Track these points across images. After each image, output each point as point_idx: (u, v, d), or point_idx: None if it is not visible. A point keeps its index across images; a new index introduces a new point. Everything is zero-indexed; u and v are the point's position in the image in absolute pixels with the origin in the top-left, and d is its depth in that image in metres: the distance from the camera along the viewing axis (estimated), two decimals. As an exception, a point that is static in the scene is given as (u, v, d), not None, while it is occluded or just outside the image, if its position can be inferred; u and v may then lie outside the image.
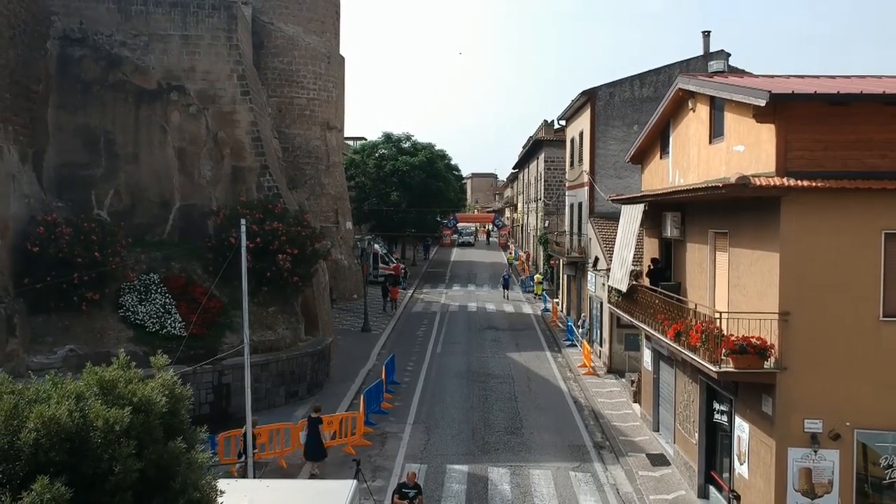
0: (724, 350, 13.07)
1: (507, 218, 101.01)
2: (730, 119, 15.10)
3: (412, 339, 33.97)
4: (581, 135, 35.28)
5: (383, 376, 24.09)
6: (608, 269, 26.98)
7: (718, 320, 13.71)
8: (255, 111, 27.41)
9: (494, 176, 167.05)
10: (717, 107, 16.03)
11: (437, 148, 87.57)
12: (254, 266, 23.87)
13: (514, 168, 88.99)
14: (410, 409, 23.09)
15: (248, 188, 26.70)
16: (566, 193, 41.42)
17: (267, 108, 31.99)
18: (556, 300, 43.43)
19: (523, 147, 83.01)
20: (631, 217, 20.65)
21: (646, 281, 20.15)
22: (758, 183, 12.61)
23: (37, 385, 8.15)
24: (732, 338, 13.08)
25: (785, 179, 12.66)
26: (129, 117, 25.98)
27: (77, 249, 21.09)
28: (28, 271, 20.92)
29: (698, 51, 33.95)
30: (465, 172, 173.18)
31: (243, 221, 15.93)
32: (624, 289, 20.12)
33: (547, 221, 53.25)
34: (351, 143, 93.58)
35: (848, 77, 16.96)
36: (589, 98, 33.11)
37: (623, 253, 20.61)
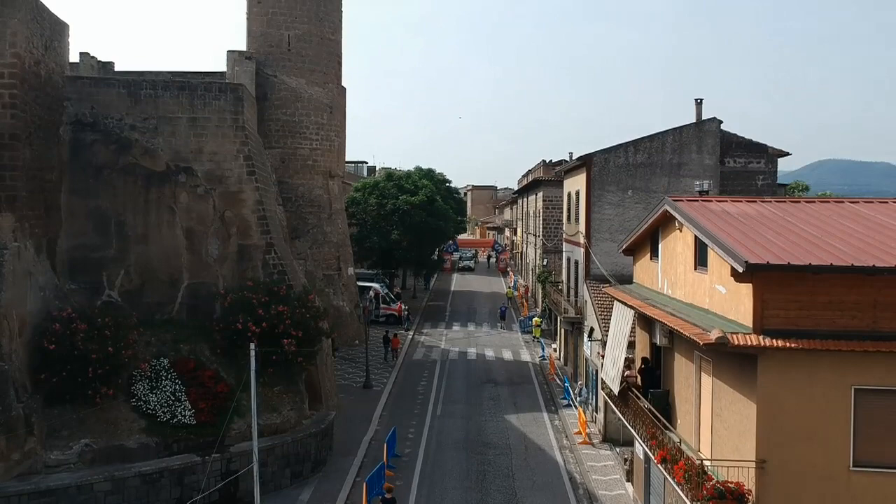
0: (704, 494, 13.94)
1: (507, 238, 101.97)
2: (713, 256, 15.97)
3: (412, 398, 34.84)
4: (577, 194, 36.18)
5: (385, 458, 24.88)
6: (603, 341, 27.89)
7: (699, 463, 14.59)
8: (261, 189, 28.31)
9: (494, 188, 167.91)
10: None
11: (437, 172, 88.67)
12: (260, 350, 24.81)
13: (514, 193, 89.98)
14: (411, 491, 23.95)
15: (254, 266, 27.58)
16: (564, 245, 42.33)
17: (272, 187, 32.79)
18: (553, 346, 44.32)
19: (523, 175, 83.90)
20: (622, 318, 21.53)
21: (638, 377, 20.99)
22: (736, 342, 13.53)
23: None
24: (712, 481, 13.97)
25: (761, 338, 13.56)
26: (138, 199, 26.83)
27: (91, 346, 21.95)
28: (44, 366, 21.80)
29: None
30: (464, 183, 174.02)
31: (253, 350, 16.78)
32: (616, 390, 21.01)
33: (546, 260, 54.17)
34: (352, 166, 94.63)
35: (825, 202, 17.87)
36: (585, 163, 34.03)
37: (615, 353, 21.49)
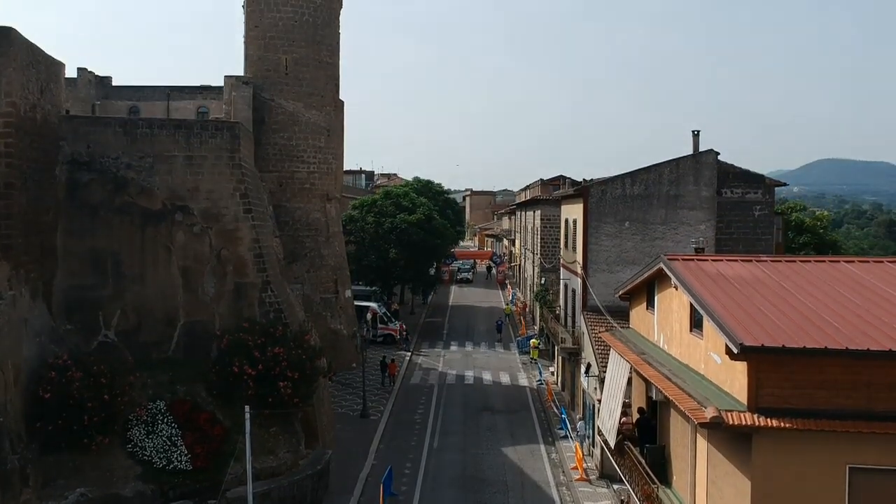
0: (699, 571, 13.95)
1: (506, 247, 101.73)
2: (708, 324, 15.94)
3: (410, 428, 34.75)
4: (575, 223, 36.18)
5: (381, 500, 24.79)
6: (600, 377, 27.89)
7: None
8: (258, 227, 28.26)
9: (493, 194, 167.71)
10: (697, 300, 16.85)
11: (435, 183, 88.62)
12: (256, 392, 24.82)
13: (513, 205, 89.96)
14: (407, 536, 23.95)
15: (251, 304, 27.54)
16: (561, 270, 42.31)
17: (269, 220, 32.70)
18: (551, 369, 44.32)
19: (521, 190, 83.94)
20: (619, 367, 21.50)
21: (633, 428, 20.95)
22: (731, 422, 13.52)
23: None
24: (707, 559, 13.97)
25: (756, 417, 13.55)
26: (135, 238, 26.76)
27: (87, 394, 21.91)
28: (40, 414, 21.77)
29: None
30: (463, 187, 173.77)
31: (248, 412, 16.75)
32: (612, 444, 20.98)
33: (543, 279, 54.10)
34: (350, 178, 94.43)
35: (820, 261, 17.85)
36: (581, 193, 34.02)
37: (611, 404, 21.46)
